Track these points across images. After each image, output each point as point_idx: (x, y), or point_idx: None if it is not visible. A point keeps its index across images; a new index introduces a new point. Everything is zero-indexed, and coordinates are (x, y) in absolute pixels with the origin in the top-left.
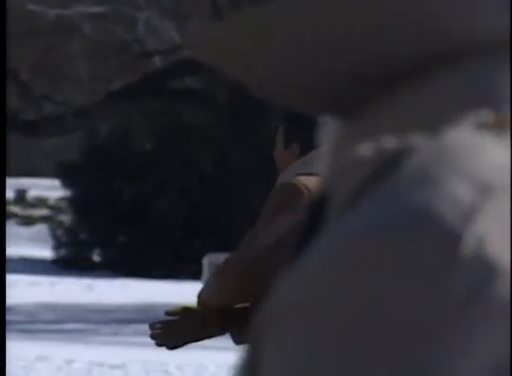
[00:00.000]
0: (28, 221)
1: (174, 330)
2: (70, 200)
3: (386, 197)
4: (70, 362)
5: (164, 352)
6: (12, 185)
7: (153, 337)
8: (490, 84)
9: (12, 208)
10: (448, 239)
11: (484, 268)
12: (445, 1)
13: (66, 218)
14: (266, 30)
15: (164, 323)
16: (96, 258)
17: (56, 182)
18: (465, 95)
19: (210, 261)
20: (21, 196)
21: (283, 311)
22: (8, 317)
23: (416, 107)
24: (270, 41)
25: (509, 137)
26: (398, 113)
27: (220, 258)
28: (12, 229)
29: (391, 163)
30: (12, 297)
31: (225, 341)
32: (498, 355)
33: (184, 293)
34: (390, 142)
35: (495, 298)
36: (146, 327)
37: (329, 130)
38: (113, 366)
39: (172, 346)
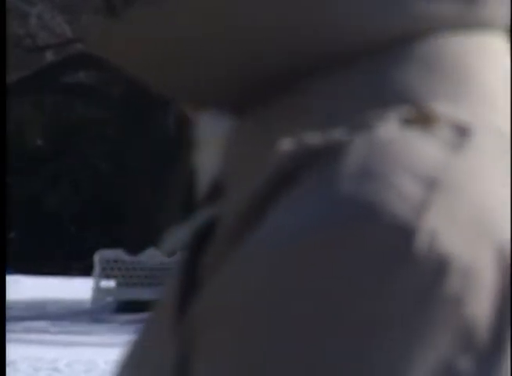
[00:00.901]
0: None
1: None
2: None
3: (325, 192)
4: None
5: (53, 350)
6: None
7: None
8: (400, 80)
9: None
10: (401, 234)
11: (437, 264)
12: (344, 2)
13: None
14: (163, 26)
15: None
16: None
17: None
18: (379, 90)
19: (102, 257)
20: None
21: (217, 317)
22: None
23: (334, 104)
24: (167, 36)
25: (433, 132)
26: (315, 109)
27: (111, 254)
28: None
29: (319, 158)
30: None
31: (115, 337)
32: (448, 353)
33: (75, 289)
34: (314, 138)
35: (448, 296)
36: (36, 324)
37: (212, 128)
38: None
39: None
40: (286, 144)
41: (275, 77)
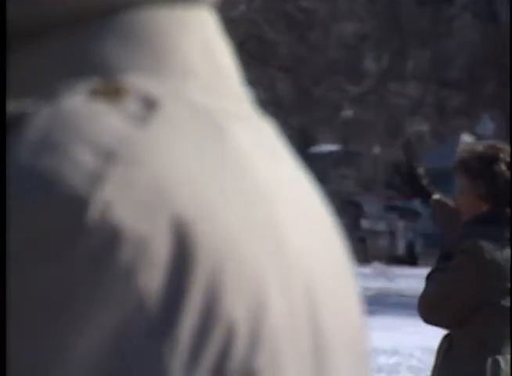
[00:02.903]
0: None
1: None
2: None
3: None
4: None
5: None
6: None
7: None
8: (97, 52)
9: None
10: (74, 204)
11: (109, 235)
12: None
13: None
14: None
15: None
16: None
17: None
18: (74, 62)
19: None
20: None
21: None
22: None
23: (27, 71)
24: None
25: (120, 105)
26: (15, 77)
27: None
28: None
29: (7, 128)
30: None
31: None
32: (120, 322)
33: None
34: (8, 107)
35: (119, 267)
36: None
37: None
38: None
39: None
40: None
41: None
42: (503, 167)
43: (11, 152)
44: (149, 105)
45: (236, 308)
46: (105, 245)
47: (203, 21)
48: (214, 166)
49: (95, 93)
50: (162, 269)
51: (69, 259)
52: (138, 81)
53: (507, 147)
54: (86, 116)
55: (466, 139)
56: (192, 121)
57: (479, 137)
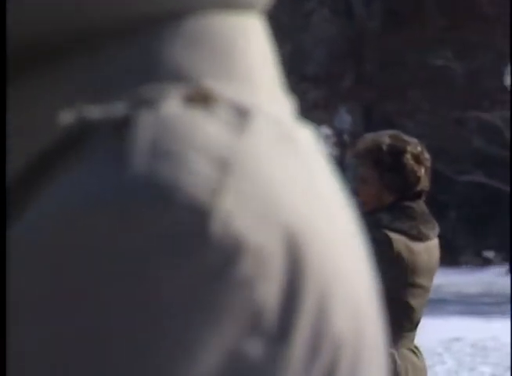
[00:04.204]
0: None
1: None
2: None
3: (116, 169)
4: None
5: None
6: None
7: None
8: (172, 58)
9: None
10: (196, 215)
11: (232, 246)
12: None
13: None
14: None
15: None
16: None
17: None
18: (156, 67)
19: None
20: None
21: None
22: None
23: (105, 78)
24: None
25: (214, 112)
26: (85, 82)
27: None
28: None
29: (102, 132)
30: None
31: None
32: (238, 336)
33: None
34: (93, 111)
35: (240, 279)
36: None
37: None
38: None
39: None
40: (66, 117)
41: (43, 48)
42: (411, 160)
43: (118, 158)
44: (241, 113)
45: (342, 324)
46: (227, 257)
47: (258, 28)
48: (303, 178)
49: (190, 100)
50: (277, 282)
51: (189, 270)
52: (219, 88)
53: (413, 139)
54: (189, 123)
55: (325, 131)
56: (273, 129)
57: (337, 130)
